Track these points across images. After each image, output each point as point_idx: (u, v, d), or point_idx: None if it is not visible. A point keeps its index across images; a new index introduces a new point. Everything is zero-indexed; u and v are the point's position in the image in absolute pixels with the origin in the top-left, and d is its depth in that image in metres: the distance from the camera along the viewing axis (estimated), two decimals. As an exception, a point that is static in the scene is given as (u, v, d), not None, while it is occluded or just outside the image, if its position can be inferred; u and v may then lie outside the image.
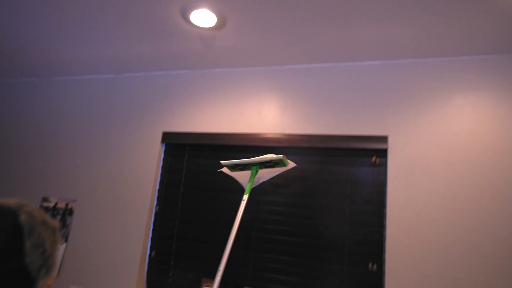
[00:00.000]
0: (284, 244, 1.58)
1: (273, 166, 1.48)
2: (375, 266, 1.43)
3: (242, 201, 1.42)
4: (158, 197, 1.85)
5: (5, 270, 0.47)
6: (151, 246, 1.80)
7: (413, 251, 1.37)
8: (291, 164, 1.49)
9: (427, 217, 1.38)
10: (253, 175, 1.45)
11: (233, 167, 1.52)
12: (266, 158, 1.42)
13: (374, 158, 1.52)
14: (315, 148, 1.63)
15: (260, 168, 1.49)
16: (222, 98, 1.83)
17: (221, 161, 1.53)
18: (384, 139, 1.51)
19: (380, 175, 1.51)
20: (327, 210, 1.55)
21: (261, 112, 1.74)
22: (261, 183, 1.66)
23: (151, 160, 1.86)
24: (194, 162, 1.83)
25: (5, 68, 2.20)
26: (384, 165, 1.51)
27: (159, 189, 1.86)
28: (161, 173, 1.87)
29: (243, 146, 1.75)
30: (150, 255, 1.79)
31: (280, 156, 1.40)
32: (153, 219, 1.83)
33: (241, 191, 1.70)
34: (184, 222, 1.77)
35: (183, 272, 1.71)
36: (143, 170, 1.86)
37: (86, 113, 2.10)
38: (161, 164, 1.88)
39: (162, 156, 1.89)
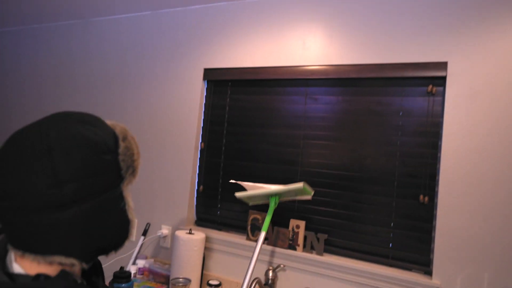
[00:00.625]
0: (331, 177, 1.57)
1: (294, 195, 1.27)
2: (426, 198, 1.40)
3: (259, 239, 1.15)
4: (202, 134, 1.88)
5: (105, 160, 0.59)
6: (198, 181, 1.87)
7: (468, 184, 1.32)
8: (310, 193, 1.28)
9: (487, 149, 1.30)
10: (271, 208, 1.21)
11: (249, 199, 1.30)
12: (285, 188, 1.20)
13: (430, 87, 1.42)
14: (365, 79, 1.54)
15: (280, 198, 1.28)
16: (264, 30, 1.74)
17: (236, 194, 1.32)
18: (442, 65, 1.39)
19: (436, 105, 1.41)
20: (376, 142, 1.50)
21: (306, 43, 1.64)
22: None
23: (193, 98, 1.87)
24: (237, 98, 1.81)
25: (42, 11, 2.22)
26: (441, 94, 1.41)
27: (203, 126, 1.88)
28: (204, 111, 1.88)
29: (287, 80, 1.69)
30: (198, 189, 1.86)
31: (300, 184, 1.17)
32: (198, 155, 1.87)
33: (286, 126, 1.68)
34: (229, 158, 1.80)
35: (230, 205, 1.78)
36: (186, 108, 1.88)
37: (123, 54, 2.11)
38: (203, 101, 1.88)
39: (205, 93, 1.88)
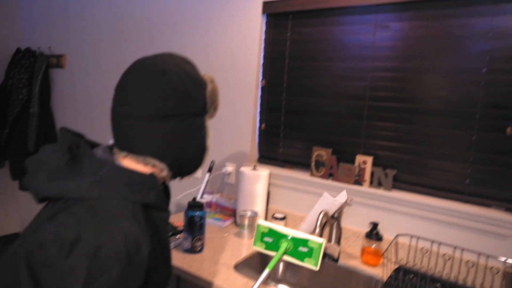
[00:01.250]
0: (401, 111, 1.48)
1: (301, 258, 0.98)
2: (514, 131, 1.28)
3: (261, 276, 0.96)
4: (263, 72, 1.84)
5: (198, 92, 0.75)
6: (260, 119, 1.87)
7: None
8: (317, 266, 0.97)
9: None
10: (282, 251, 0.98)
11: (260, 239, 1.05)
12: (303, 236, 0.98)
13: (528, 3, 1.23)
14: (446, -1, 1.37)
15: (288, 251, 1.00)
16: (328, -49, 1.58)
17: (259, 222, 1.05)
18: (548, -26, 1.18)
19: (534, 24, 1.23)
20: (455, 71, 1.36)
21: (377, -38, 1.48)
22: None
23: (252, 34, 1.81)
24: (298, 31, 1.72)
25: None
26: (542, 10, 1.21)
27: (263, 63, 1.83)
28: (264, 47, 1.82)
29: (354, 8, 1.56)
30: (260, 127, 1.87)
31: (320, 240, 0.95)
32: (259, 93, 1.85)
33: (352, 58, 1.58)
34: (291, 94, 1.76)
35: (292, 142, 1.78)
36: (245, 45, 1.83)
37: (183, -10, 2.06)
38: (263, 37, 1.82)
39: (264, 28, 1.81)
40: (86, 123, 2.70)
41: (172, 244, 1.42)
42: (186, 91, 0.72)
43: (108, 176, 0.66)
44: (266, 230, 1.04)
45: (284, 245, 1.00)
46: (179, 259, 1.33)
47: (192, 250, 1.39)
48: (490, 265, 1.29)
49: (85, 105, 2.69)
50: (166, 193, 0.86)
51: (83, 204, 0.62)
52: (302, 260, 0.98)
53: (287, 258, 1.00)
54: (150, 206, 0.70)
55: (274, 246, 1.02)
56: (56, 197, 0.65)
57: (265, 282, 1.49)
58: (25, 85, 2.81)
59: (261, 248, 1.04)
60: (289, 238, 0.99)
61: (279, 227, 1.02)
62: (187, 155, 0.76)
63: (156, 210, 0.72)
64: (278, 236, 1.02)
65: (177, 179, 0.83)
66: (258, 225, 1.03)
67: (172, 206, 2.15)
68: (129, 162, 0.72)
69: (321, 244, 0.95)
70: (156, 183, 0.71)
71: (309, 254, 0.98)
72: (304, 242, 0.98)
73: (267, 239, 1.03)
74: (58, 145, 0.70)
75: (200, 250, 1.41)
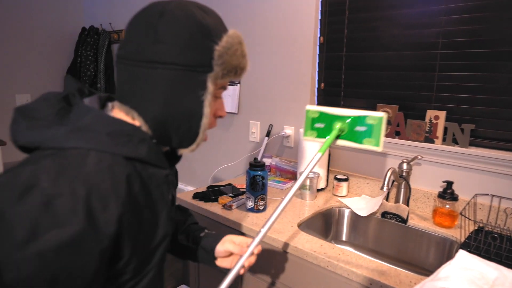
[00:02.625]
0: (479, 57, 1.33)
1: (359, 140, 0.86)
2: None
3: (313, 158, 0.84)
4: (320, 28, 1.75)
5: (201, 42, 0.63)
6: (319, 79, 1.81)
7: None
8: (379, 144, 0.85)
9: None
10: (334, 132, 0.86)
11: (311, 127, 0.93)
12: (360, 113, 0.86)
13: None
14: None
15: (343, 135, 0.88)
16: None
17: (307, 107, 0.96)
18: None
19: None
20: (552, 6, 1.18)
21: None
22: None
23: (309, -12, 1.72)
24: (359, -21, 1.60)
25: None
26: None
27: (320, 18, 1.74)
28: (321, 1, 1.73)
29: None
30: (319, 87, 1.81)
31: (379, 114, 0.82)
32: (318, 51, 1.78)
33: (418, 2, 1.43)
34: (351, 50, 1.66)
35: (354, 101, 1.70)
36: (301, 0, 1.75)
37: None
38: (320, -10, 1.72)
39: (321, -20, 1.71)
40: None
41: (234, 205, 1.46)
42: (186, 38, 0.61)
43: (89, 124, 0.58)
44: (317, 115, 0.90)
45: (337, 127, 0.87)
46: (242, 218, 1.37)
47: (256, 209, 1.42)
48: None
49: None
50: (171, 155, 0.77)
51: (54, 154, 0.54)
52: (360, 142, 0.84)
53: (342, 142, 0.87)
54: (143, 162, 0.63)
55: (327, 132, 0.88)
56: (31, 146, 0.57)
57: (330, 241, 1.48)
58: (91, 62, 3.00)
59: (312, 137, 0.91)
60: (343, 117, 0.86)
61: (330, 109, 0.88)
62: (174, 116, 0.64)
63: (152, 167, 0.64)
64: (331, 119, 0.88)
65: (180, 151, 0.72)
66: (307, 111, 0.88)
67: (230, 172, 2.20)
68: (117, 113, 0.66)
69: (381, 118, 0.82)
70: (147, 136, 0.63)
71: (369, 133, 0.83)
72: (361, 119, 0.84)
73: (318, 125, 0.89)
74: (53, 93, 0.64)
75: (264, 209, 1.44)
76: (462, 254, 1.08)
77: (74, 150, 0.55)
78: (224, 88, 0.71)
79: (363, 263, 1.06)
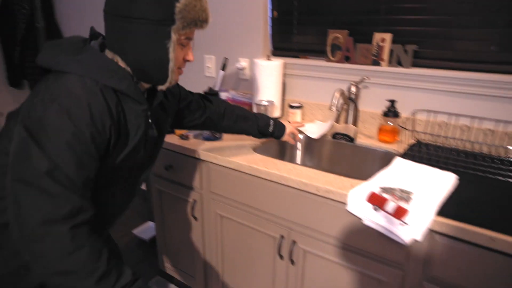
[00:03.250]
0: (424, -22, 1.38)
1: None
2: (549, -15, 1.17)
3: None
4: (271, -49, 1.70)
5: (165, 3, 0.79)
6: (272, 7, 1.79)
7: None
8: None
9: None
10: None
11: None
12: None
13: None
14: None
15: None
16: None
17: None
18: None
19: None
20: None
21: None
22: None
23: None
24: None
25: None
26: None
27: None
28: None
29: None
30: (272, 16, 1.80)
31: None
32: (269, -23, 1.74)
33: None
34: (303, -25, 1.65)
35: (307, 28, 1.72)
36: None
37: None
38: None
39: None
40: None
41: (191, 135, 1.50)
42: None
43: (86, 58, 0.79)
44: None
45: None
46: (199, 145, 1.42)
47: (212, 137, 1.46)
48: (508, 130, 1.30)
49: (89, 16, 2.64)
50: (152, 94, 0.96)
51: (60, 76, 0.76)
52: None
53: None
54: (125, 94, 0.83)
55: None
56: (45, 67, 0.80)
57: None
58: (25, -1, 2.75)
59: None
60: None
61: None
62: (148, 61, 0.83)
63: (132, 101, 0.85)
64: None
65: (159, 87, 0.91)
66: None
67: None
68: (108, 54, 0.85)
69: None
70: (128, 75, 0.83)
71: None
72: None
73: None
74: (77, 37, 0.86)
75: (219, 138, 1.49)
76: (397, 160, 1.21)
77: (72, 78, 0.76)
78: (189, 38, 0.86)
79: (312, 175, 1.16)
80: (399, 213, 0.96)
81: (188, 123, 1.23)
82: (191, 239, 1.62)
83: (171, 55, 0.83)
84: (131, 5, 0.77)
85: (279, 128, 1.37)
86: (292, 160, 1.65)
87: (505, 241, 0.84)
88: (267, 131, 1.34)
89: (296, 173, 1.18)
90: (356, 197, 1.03)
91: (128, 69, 0.84)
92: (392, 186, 1.05)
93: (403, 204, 0.97)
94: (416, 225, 0.93)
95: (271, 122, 1.35)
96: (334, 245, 1.15)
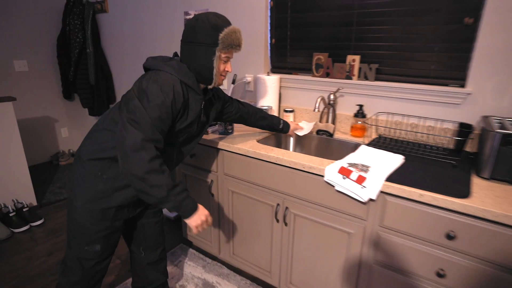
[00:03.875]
0: (385, 14, 1.60)
1: None
2: (471, 20, 1.39)
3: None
4: (270, -5, 1.93)
5: (211, 31, 1.12)
6: (270, 36, 2.02)
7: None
8: None
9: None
10: None
11: None
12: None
13: None
14: None
15: None
16: None
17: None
18: None
19: None
20: (428, -25, 1.44)
21: None
22: None
23: (260, -39, 1.87)
24: (298, -46, 1.77)
25: None
26: None
27: (270, -13, 1.92)
28: (270, -28, 1.89)
29: None
30: (271, 43, 2.03)
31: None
32: (269, 13, 1.98)
33: (343, -27, 1.65)
34: (295, 11, 1.88)
35: (297, 52, 1.94)
36: (255, -28, 1.91)
37: None
38: (269, -37, 1.88)
39: (269, -45, 1.87)
40: (131, 57, 2.91)
41: (210, 130, 1.71)
42: (205, 30, 1.10)
43: (172, 64, 1.13)
44: None
45: None
46: (216, 140, 1.63)
47: (226, 132, 1.68)
48: (443, 126, 1.50)
49: (127, 42, 2.88)
50: (205, 91, 1.27)
51: (159, 71, 1.11)
52: None
53: None
54: (190, 87, 1.15)
55: None
56: (148, 67, 1.16)
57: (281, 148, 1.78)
58: (79, 30, 3.00)
59: None
60: None
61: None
62: (202, 67, 1.15)
63: (193, 92, 1.16)
64: None
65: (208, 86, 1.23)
66: None
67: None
68: (184, 64, 1.17)
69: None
70: (192, 76, 1.15)
71: None
72: None
73: None
74: (165, 56, 1.18)
75: (231, 132, 1.70)
76: (362, 147, 1.41)
77: (164, 72, 1.10)
78: (228, 57, 1.17)
79: (300, 157, 1.37)
80: (360, 180, 1.16)
81: (227, 118, 1.51)
82: (209, 212, 1.82)
83: (215, 64, 1.15)
84: (194, 35, 1.12)
85: (286, 126, 1.65)
86: (286, 148, 1.86)
87: (430, 195, 1.04)
88: (278, 128, 1.63)
89: (288, 155, 1.39)
90: (330, 170, 1.23)
91: (193, 73, 1.16)
92: (356, 162, 1.26)
93: (363, 174, 1.17)
94: (371, 188, 1.13)
95: (281, 121, 1.63)
96: (316, 208, 1.35)
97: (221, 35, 1.10)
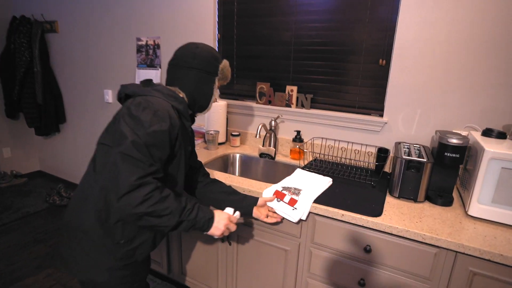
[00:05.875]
0: (319, 52, 1.76)
1: None
2: (384, 62, 1.59)
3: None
4: (218, 27, 2.03)
5: (214, 63, 1.09)
6: (219, 65, 2.09)
7: (418, 49, 1.48)
8: None
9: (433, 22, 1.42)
10: None
11: None
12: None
13: None
14: (343, -34, 1.58)
15: None
16: None
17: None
18: None
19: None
20: (351, 21, 1.63)
21: None
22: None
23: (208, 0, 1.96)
24: (242, -6, 1.89)
25: None
26: None
27: (218, 20, 2.02)
28: (218, 7, 1.99)
29: (281, -27, 1.74)
30: (219, 71, 2.10)
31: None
32: (217, 44, 2.06)
33: (282, 13, 1.80)
34: (240, 44, 1.98)
35: (243, 80, 2.04)
36: (203, 6, 2.00)
37: (149, -39, 2.12)
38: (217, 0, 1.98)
39: (216, -8, 1.97)
40: (81, 77, 2.82)
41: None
42: (207, 59, 1.06)
43: (159, 89, 1.01)
44: None
45: None
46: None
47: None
48: (367, 150, 1.68)
49: (79, 63, 2.79)
50: (192, 117, 1.16)
51: (146, 96, 0.96)
52: None
53: None
54: (180, 113, 1.02)
55: None
56: (131, 94, 0.99)
57: (229, 174, 1.83)
58: (26, 48, 2.85)
59: None
60: None
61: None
62: (199, 94, 1.08)
63: (184, 118, 1.03)
64: None
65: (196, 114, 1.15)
66: None
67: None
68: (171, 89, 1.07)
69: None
70: (184, 102, 1.03)
71: None
72: None
73: None
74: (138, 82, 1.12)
75: (180, 157, 1.72)
76: (297, 170, 1.51)
77: (154, 97, 0.96)
78: (218, 87, 1.13)
79: (240, 181, 1.43)
80: (291, 202, 1.25)
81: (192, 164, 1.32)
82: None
83: (214, 92, 1.12)
84: (194, 61, 1.05)
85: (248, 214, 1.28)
86: (233, 173, 1.92)
87: (350, 215, 1.16)
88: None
89: (230, 180, 1.45)
90: (266, 194, 1.31)
91: (185, 98, 1.06)
92: (289, 186, 1.35)
93: (294, 197, 1.27)
94: (302, 210, 1.23)
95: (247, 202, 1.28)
96: (257, 228, 1.42)
97: (221, 66, 1.09)
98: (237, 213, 1.12)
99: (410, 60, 1.50)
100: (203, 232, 1.02)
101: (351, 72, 1.69)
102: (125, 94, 1.02)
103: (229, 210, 1.11)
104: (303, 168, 1.58)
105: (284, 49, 1.84)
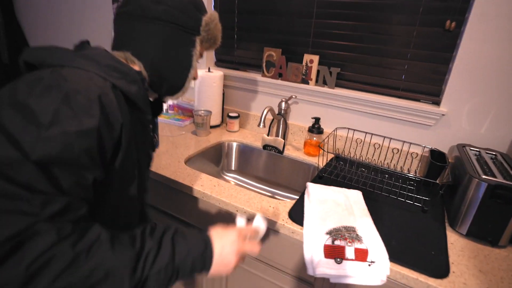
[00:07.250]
0: (348, 7, 1.23)
1: None
2: (453, 24, 1.07)
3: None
4: (214, -32, 1.47)
5: (194, 11, 0.66)
6: (214, 21, 1.57)
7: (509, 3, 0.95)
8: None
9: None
10: None
11: None
12: None
13: None
14: None
15: None
16: None
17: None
18: None
19: None
20: (407, -40, 1.08)
21: None
22: None
23: None
24: None
25: None
26: None
27: (214, -42, 1.46)
28: None
29: None
30: (215, 30, 1.58)
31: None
32: (213, -7, 1.52)
33: None
34: (243, -7, 1.44)
35: (246, 44, 1.53)
36: None
37: None
38: None
39: None
40: (54, 33, 2.30)
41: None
42: (181, 4, 0.64)
43: (93, 54, 0.56)
44: None
45: None
46: (134, 155, 1.20)
47: (148, 146, 1.25)
48: (411, 151, 1.21)
49: (51, 16, 2.26)
50: (157, 105, 0.75)
51: (62, 68, 0.51)
52: None
53: None
54: (132, 101, 0.58)
55: None
56: (35, 62, 0.53)
57: (221, 170, 1.41)
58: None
59: None
60: None
61: None
62: (169, 64, 0.65)
63: (136, 110, 0.60)
64: None
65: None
66: None
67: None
68: (117, 55, 0.63)
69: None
70: (140, 80, 0.59)
71: None
72: None
73: None
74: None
75: (156, 145, 1.28)
76: (311, 187, 1.02)
77: (77, 70, 0.51)
78: (201, 55, 0.71)
79: (233, 193, 1.00)
80: (361, 255, 0.76)
81: None
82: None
83: (194, 62, 0.68)
84: (157, 7, 0.62)
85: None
86: (228, 166, 1.49)
87: (397, 271, 0.73)
88: None
89: (219, 190, 1.01)
90: (314, 258, 0.77)
91: (143, 72, 0.62)
92: (335, 227, 0.83)
93: (358, 245, 0.77)
94: (381, 260, 0.75)
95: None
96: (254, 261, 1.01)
97: (205, 18, 0.67)
98: (260, 220, 0.69)
99: (498, 23, 0.98)
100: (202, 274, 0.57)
101: (398, 39, 1.17)
102: (25, 63, 0.54)
103: (240, 221, 0.68)
104: (319, 174, 1.12)
105: (304, 2, 1.31)
